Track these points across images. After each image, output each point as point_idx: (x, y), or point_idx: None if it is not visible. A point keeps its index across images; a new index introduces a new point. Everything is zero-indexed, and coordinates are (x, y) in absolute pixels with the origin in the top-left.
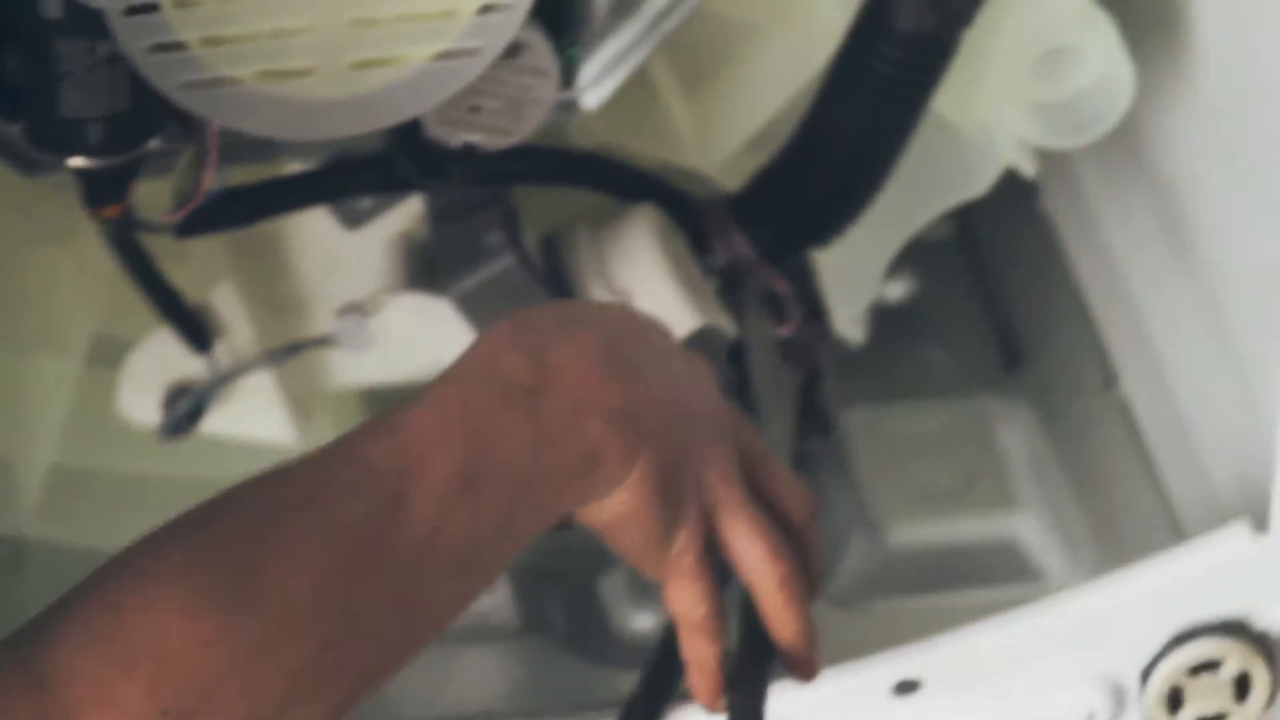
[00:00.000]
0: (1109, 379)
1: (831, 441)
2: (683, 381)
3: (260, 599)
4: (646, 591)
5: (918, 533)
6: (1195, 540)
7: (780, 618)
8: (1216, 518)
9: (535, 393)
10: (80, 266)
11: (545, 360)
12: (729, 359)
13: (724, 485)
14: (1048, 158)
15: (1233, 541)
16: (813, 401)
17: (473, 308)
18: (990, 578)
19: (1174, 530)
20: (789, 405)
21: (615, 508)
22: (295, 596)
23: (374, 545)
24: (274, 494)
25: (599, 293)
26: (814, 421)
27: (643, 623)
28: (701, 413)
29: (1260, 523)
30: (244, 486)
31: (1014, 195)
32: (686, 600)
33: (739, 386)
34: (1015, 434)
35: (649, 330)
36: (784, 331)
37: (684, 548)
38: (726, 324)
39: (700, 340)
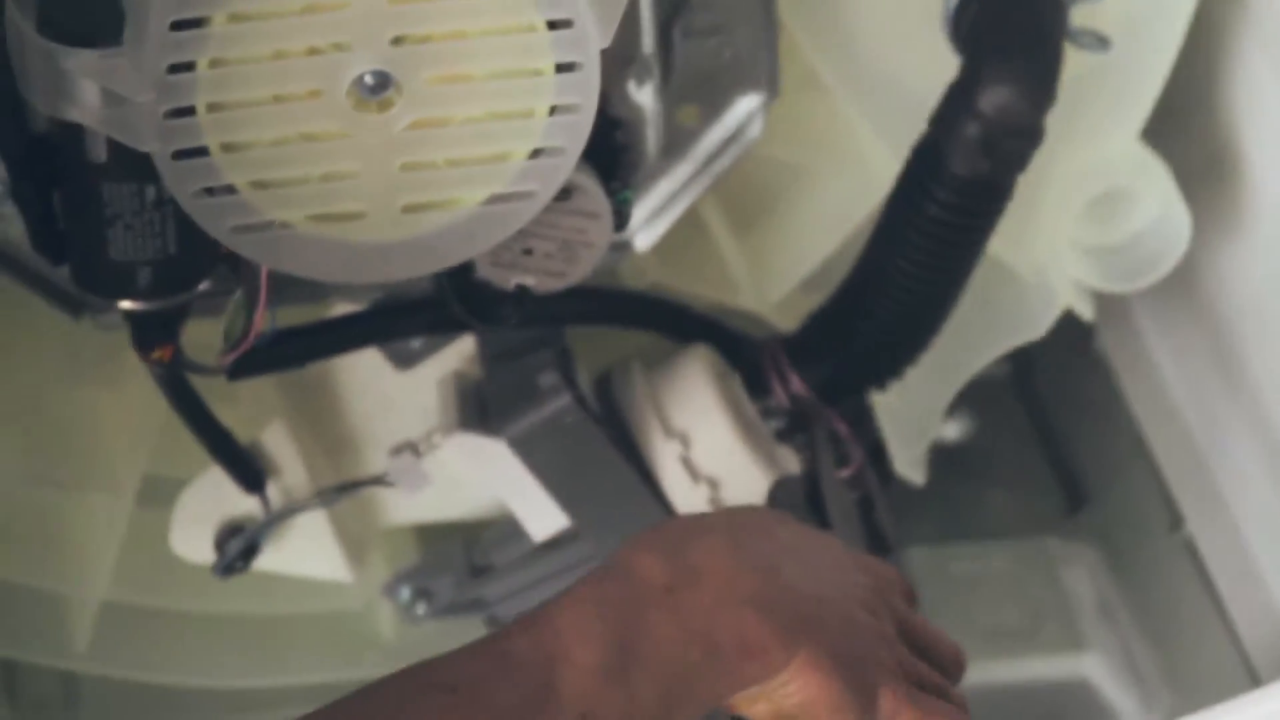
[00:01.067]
0: (1174, 520)
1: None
2: (820, 566)
3: None
4: None
5: (986, 673)
6: (1272, 686)
7: None
8: None
9: (673, 590)
10: (129, 406)
11: (680, 561)
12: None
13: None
14: (1103, 297)
15: None
16: (871, 525)
17: (527, 448)
18: (1063, 719)
19: (1247, 672)
20: (856, 531)
21: (789, 698)
22: None
23: None
24: (418, 678)
25: (655, 434)
26: (876, 544)
27: None
28: (852, 592)
29: None
30: (386, 676)
31: (1069, 334)
32: None
33: (819, 522)
34: (1080, 575)
35: (772, 524)
36: (846, 473)
37: (893, 713)
38: (790, 464)
39: (778, 490)
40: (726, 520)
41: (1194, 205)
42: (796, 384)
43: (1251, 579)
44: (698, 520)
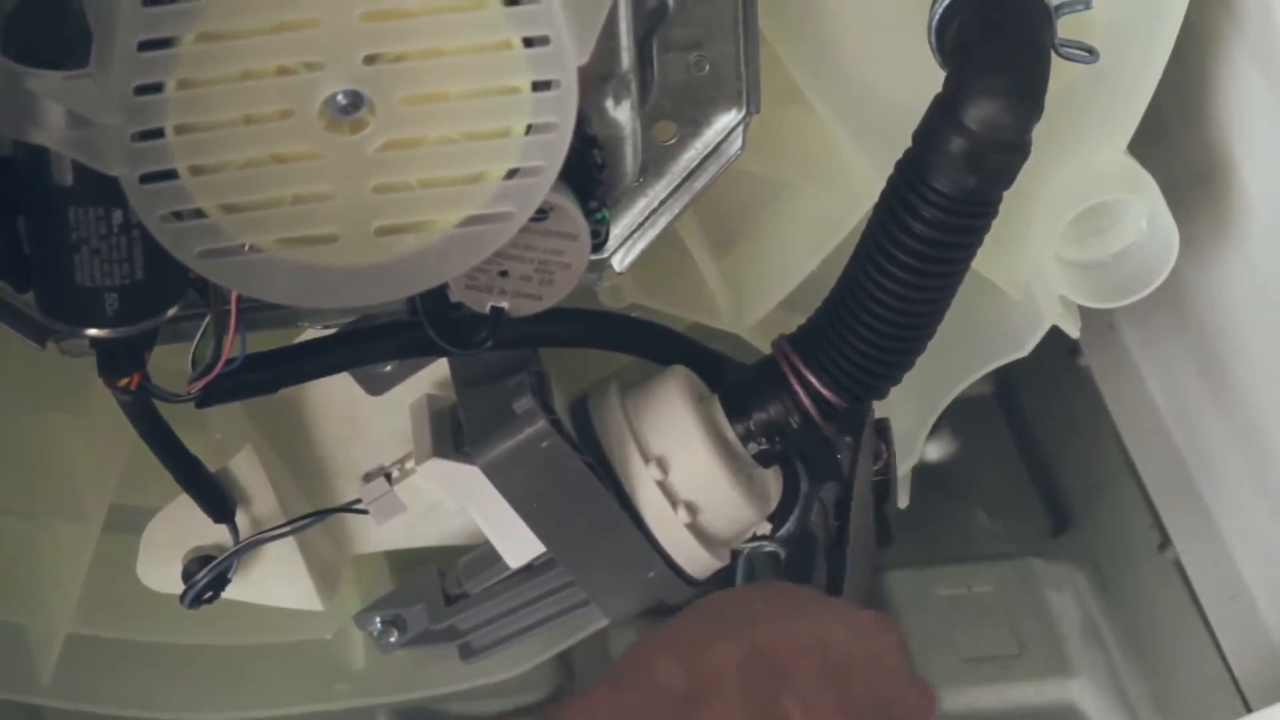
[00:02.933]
0: (1161, 540)
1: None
2: (849, 668)
3: None
4: None
5: (971, 698)
6: (1262, 713)
7: None
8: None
9: (692, 702)
10: (95, 434)
11: (699, 668)
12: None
13: None
14: (1087, 312)
15: None
16: (881, 516)
17: (503, 474)
18: None
19: (1238, 694)
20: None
21: None
22: None
23: None
24: None
25: (633, 458)
26: (882, 535)
27: None
28: (881, 662)
29: None
30: None
31: (1053, 351)
32: None
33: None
34: (1067, 598)
35: (787, 610)
36: (878, 466)
37: None
38: (770, 488)
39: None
40: (742, 612)
41: (1180, 218)
42: (819, 382)
43: (1240, 600)
44: (715, 616)
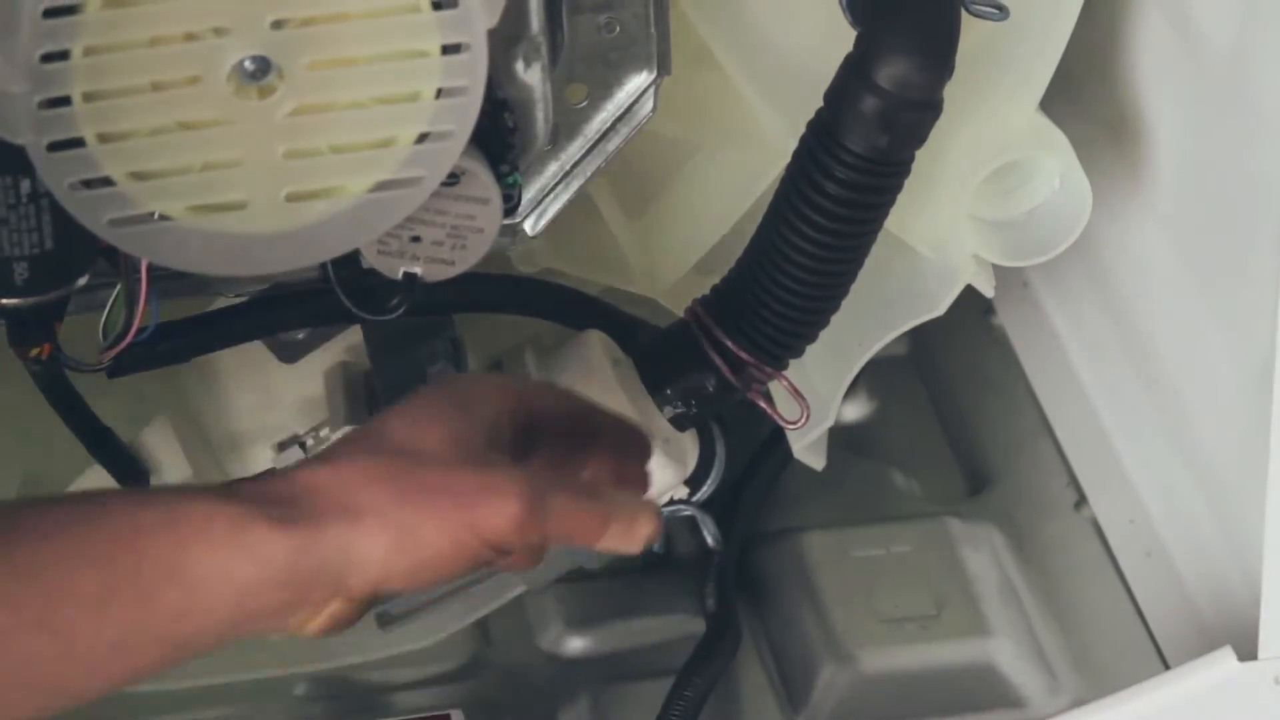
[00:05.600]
0: (1078, 499)
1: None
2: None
3: None
4: None
5: (890, 659)
6: (1181, 669)
7: None
8: (1197, 640)
9: None
10: (5, 404)
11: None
12: None
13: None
14: (1000, 272)
15: (1219, 669)
16: None
17: None
18: (968, 704)
19: (1155, 653)
20: None
21: None
22: None
23: None
24: None
25: None
26: None
27: None
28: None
29: (1246, 649)
30: None
31: (968, 311)
32: None
33: None
34: (984, 557)
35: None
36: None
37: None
38: (690, 451)
39: None
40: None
41: (1093, 174)
42: (733, 348)
43: (1156, 557)
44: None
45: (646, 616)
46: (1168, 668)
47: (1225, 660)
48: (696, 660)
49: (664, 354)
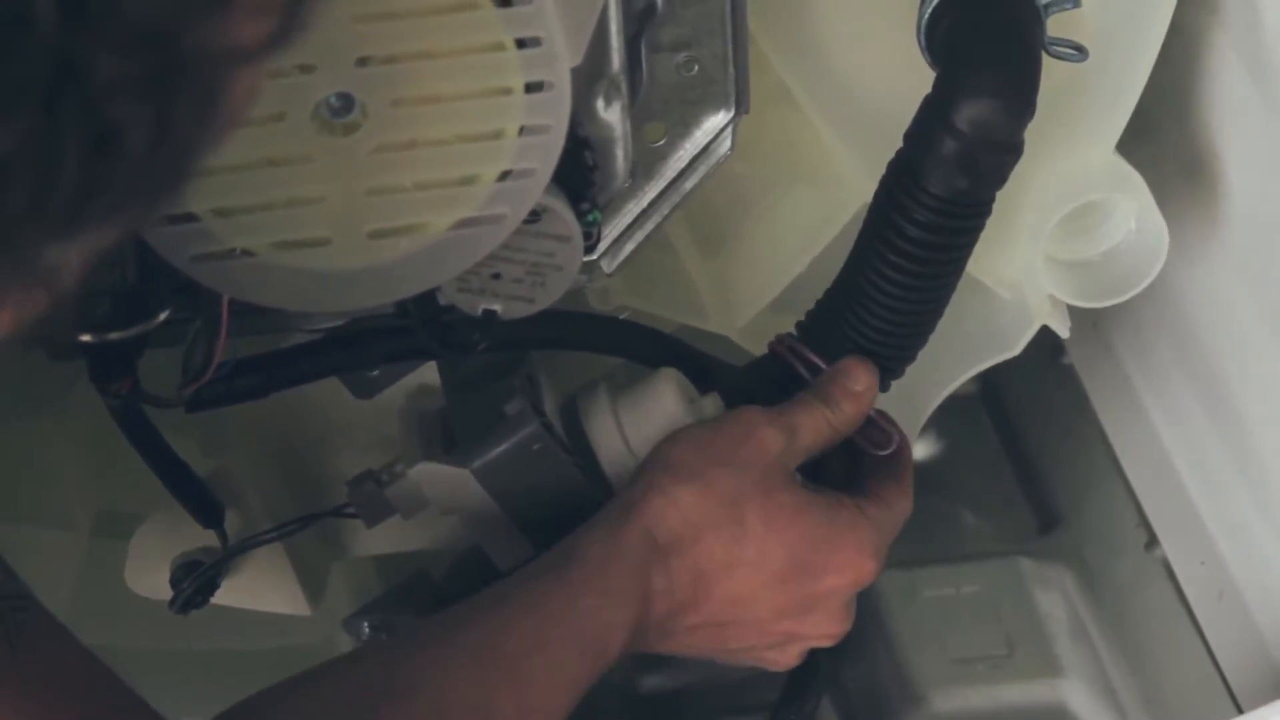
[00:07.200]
0: (1149, 539)
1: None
2: None
3: None
4: None
5: (962, 699)
6: (1255, 713)
7: None
8: (1270, 683)
9: None
10: (81, 439)
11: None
12: None
13: None
14: (1072, 310)
15: None
16: None
17: (494, 477)
18: None
19: (1227, 695)
20: None
21: None
22: None
23: None
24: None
25: (622, 460)
26: None
27: None
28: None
29: None
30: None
31: (1038, 350)
32: None
33: None
34: (1054, 596)
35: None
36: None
37: None
38: None
39: None
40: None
41: (1168, 216)
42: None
43: (1229, 599)
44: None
45: None
46: (1240, 711)
47: None
48: (789, 699)
49: (753, 389)
